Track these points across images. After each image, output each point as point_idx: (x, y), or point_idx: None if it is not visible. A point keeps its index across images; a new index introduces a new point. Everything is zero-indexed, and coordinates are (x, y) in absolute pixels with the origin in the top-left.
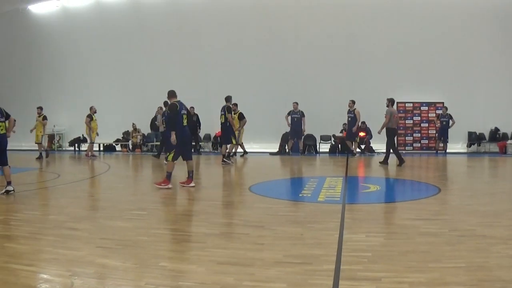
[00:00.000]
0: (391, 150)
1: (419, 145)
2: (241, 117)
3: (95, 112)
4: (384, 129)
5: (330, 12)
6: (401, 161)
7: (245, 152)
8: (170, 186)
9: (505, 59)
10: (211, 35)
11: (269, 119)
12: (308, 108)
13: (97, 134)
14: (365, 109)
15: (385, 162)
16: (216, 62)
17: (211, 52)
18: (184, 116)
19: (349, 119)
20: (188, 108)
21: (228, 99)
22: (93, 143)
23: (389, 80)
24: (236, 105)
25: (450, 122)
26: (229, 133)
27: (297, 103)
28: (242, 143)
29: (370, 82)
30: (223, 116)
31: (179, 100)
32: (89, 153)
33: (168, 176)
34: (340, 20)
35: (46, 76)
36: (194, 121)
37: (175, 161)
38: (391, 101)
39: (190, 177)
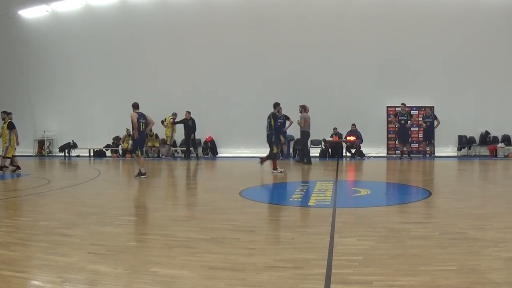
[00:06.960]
0: None
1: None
2: (11, 126)
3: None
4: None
5: (322, 18)
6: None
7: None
8: None
9: (495, 62)
10: (202, 40)
11: (259, 124)
12: (298, 113)
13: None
14: (356, 114)
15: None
16: (207, 67)
17: (203, 58)
18: None
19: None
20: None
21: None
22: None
23: (380, 84)
24: (5, 113)
25: (435, 122)
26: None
27: (280, 108)
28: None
29: (361, 87)
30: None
31: None
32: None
33: None
34: (331, 26)
35: (36, 81)
36: (190, 126)
37: None
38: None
39: None
